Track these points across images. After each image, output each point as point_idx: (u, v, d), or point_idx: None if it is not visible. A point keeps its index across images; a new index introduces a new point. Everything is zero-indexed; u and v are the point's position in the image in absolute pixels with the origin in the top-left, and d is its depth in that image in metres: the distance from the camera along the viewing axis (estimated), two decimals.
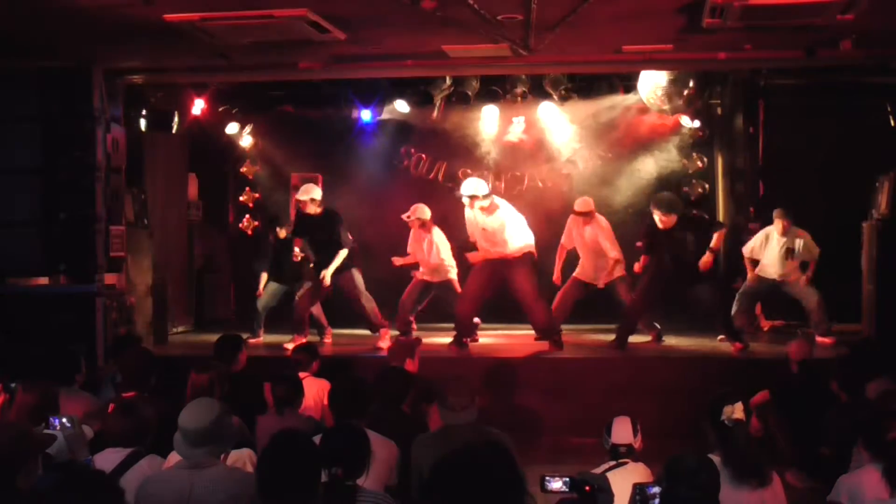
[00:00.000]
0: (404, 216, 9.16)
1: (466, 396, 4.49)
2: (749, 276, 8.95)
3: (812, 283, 8.64)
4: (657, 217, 8.18)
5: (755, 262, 8.90)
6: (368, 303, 8.61)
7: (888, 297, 7.88)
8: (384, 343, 8.46)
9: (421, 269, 9.27)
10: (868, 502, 3.81)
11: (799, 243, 8.63)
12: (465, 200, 8.23)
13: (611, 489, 3.03)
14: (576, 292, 9.09)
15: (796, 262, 8.68)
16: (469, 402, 4.48)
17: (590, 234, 8.94)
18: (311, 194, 8.46)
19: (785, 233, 8.63)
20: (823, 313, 8.55)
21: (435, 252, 9.10)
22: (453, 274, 9.18)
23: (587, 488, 2.90)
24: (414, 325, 9.23)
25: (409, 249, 9.34)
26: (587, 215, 8.93)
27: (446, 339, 8.56)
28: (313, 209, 8.48)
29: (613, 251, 8.83)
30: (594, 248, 8.94)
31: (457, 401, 4.46)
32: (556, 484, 2.86)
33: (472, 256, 8.46)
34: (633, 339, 8.70)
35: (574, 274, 9.15)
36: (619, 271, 8.96)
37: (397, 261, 9.32)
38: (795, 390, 6.08)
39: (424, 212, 9.10)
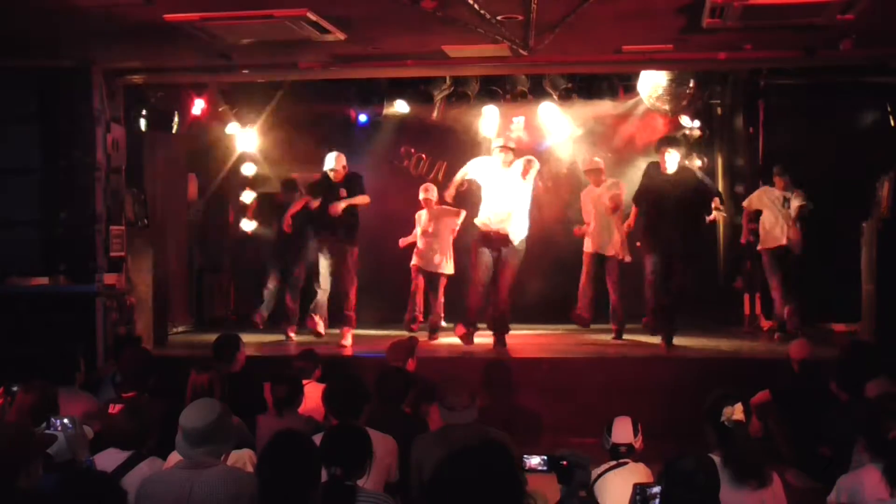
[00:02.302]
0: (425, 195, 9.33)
1: (466, 396, 4.50)
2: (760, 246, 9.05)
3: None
4: (666, 158, 8.21)
5: (754, 217, 9.08)
6: (351, 287, 8.62)
7: (888, 297, 7.87)
8: (347, 342, 8.48)
9: (418, 256, 9.36)
10: (868, 502, 3.81)
11: (797, 195, 8.82)
12: (499, 155, 8.28)
13: (588, 466, 3.05)
14: (594, 268, 9.15)
15: (795, 220, 8.81)
16: (469, 402, 4.48)
17: (600, 195, 9.05)
18: (343, 161, 8.60)
19: (783, 189, 8.84)
20: (791, 300, 8.71)
21: (446, 240, 9.27)
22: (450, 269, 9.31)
23: (564, 463, 2.94)
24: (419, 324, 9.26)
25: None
26: (596, 173, 9.12)
27: (452, 340, 8.56)
28: (339, 175, 8.58)
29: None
30: (604, 212, 9.03)
31: (457, 401, 4.47)
32: (535, 460, 2.91)
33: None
34: (632, 338, 8.72)
35: (584, 250, 9.24)
36: (618, 247, 9.06)
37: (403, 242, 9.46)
38: (795, 390, 6.08)
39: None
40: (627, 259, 9.09)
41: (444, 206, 9.26)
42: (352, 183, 8.62)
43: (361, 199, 8.62)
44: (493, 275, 8.33)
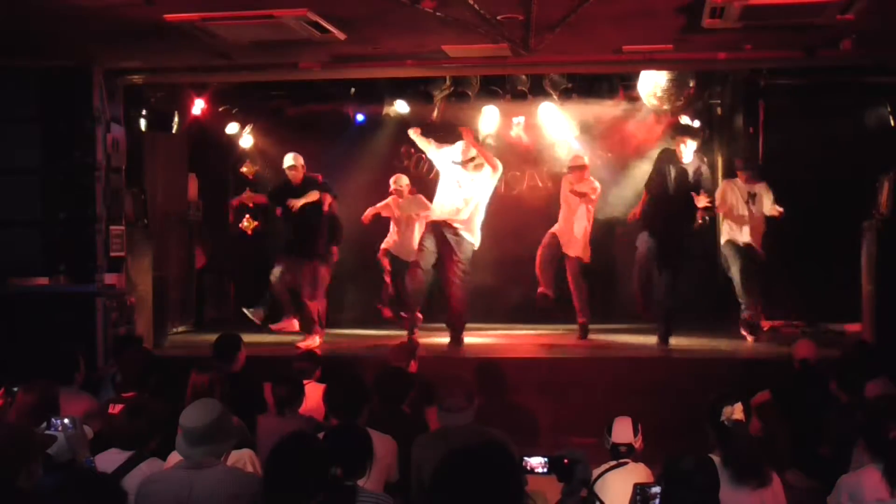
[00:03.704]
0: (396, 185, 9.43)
1: (464, 398, 4.50)
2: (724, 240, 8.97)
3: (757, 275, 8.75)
4: (682, 148, 8.33)
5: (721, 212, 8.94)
6: (320, 303, 8.64)
7: (888, 297, 7.87)
8: (313, 342, 8.45)
9: (391, 244, 9.44)
10: (868, 502, 3.82)
11: (761, 189, 8.76)
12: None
13: (586, 460, 3.09)
14: (553, 250, 8.95)
15: (761, 220, 8.75)
16: (467, 403, 4.47)
17: (576, 193, 8.91)
18: (293, 161, 8.58)
19: (747, 181, 8.82)
20: (752, 297, 8.68)
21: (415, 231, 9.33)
22: None
23: (565, 461, 2.99)
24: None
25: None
26: (579, 169, 8.93)
27: (443, 339, 8.57)
28: (299, 176, 8.56)
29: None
30: (577, 210, 8.90)
31: (453, 402, 4.46)
32: (535, 461, 2.96)
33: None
34: (635, 339, 8.71)
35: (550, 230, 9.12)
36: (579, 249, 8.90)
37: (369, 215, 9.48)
38: (795, 390, 6.08)
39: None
40: (586, 260, 8.94)
41: (414, 196, 9.37)
42: (311, 188, 8.52)
43: (313, 196, 8.49)
44: (440, 269, 8.37)
